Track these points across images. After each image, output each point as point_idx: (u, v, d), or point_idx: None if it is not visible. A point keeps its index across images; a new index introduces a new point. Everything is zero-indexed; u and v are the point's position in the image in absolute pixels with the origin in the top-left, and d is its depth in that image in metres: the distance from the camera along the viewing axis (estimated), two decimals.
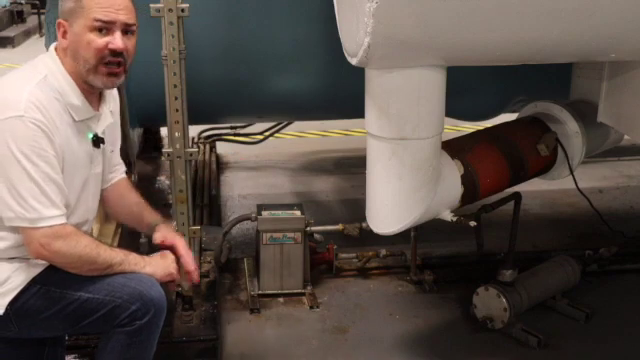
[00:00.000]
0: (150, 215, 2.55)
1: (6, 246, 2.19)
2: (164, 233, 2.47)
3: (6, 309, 2.19)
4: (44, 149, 2.08)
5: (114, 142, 2.50)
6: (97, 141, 2.31)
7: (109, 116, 2.37)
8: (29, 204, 2.08)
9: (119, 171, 2.61)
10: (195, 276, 2.44)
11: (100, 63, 2.16)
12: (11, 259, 2.21)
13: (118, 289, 2.21)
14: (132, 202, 2.59)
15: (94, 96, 2.29)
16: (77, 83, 2.21)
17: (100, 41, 2.14)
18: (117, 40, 2.15)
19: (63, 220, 2.16)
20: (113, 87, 2.30)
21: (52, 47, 2.25)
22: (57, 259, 2.18)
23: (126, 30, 2.19)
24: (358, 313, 3.59)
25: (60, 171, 2.15)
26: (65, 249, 2.15)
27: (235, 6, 3.54)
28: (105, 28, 2.14)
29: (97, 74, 2.18)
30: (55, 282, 2.22)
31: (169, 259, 2.39)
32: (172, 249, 2.43)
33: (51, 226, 2.12)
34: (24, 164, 2.06)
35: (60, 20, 2.19)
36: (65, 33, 2.18)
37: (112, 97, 2.44)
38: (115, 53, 2.15)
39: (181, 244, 2.46)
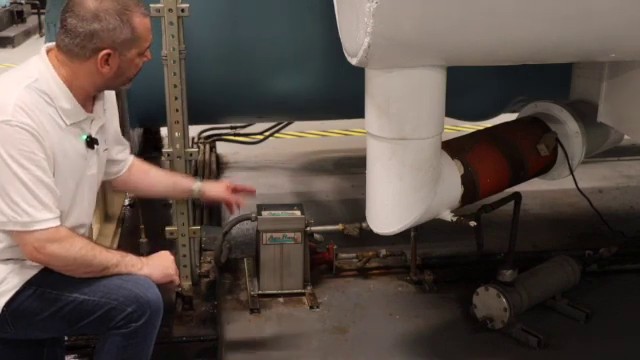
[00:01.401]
0: (184, 179, 2.76)
1: (1, 248, 2.19)
2: (216, 188, 2.79)
3: (2, 310, 2.18)
4: (33, 152, 2.07)
5: (106, 127, 2.45)
6: (91, 142, 2.30)
7: (102, 116, 2.37)
8: (21, 208, 2.08)
9: (127, 152, 2.63)
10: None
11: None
12: (6, 260, 2.20)
13: (114, 291, 2.21)
14: (160, 174, 2.75)
15: (89, 99, 2.29)
16: (73, 88, 2.19)
17: (142, 60, 2.29)
18: (149, 55, 2.31)
19: (57, 223, 2.14)
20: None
21: (43, 49, 2.22)
22: (52, 262, 2.17)
23: None
24: (358, 313, 3.59)
25: (51, 174, 2.14)
26: (60, 252, 2.14)
27: (235, 6, 3.54)
28: None
29: (128, 82, 2.33)
30: (51, 284, 2.21)
31: (168, 260, 2.39)
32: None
33: (44, 229, 2.11)
34: (14, 168, 2.05)
35: (109, 50, 2.15)
36: (107, 60, 2.17)
37: (104, 94, 2.43)
38: None
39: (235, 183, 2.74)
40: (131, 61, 2.23)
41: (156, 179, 2.72)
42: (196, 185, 2.78)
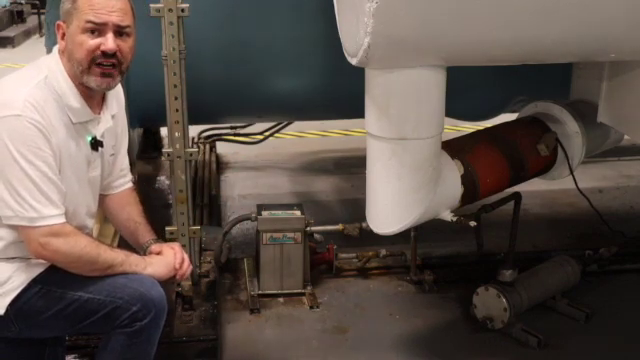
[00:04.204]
0: (144, 236, 2.52)
1: (5, 245, 2.19)
2: (156, 248, 2.46)
3: (7, 309, 2.19)
4: (41, 148, 2.09)
5: (116, 146, 2.49)
6: (95, 144, 2.31)
7: (109, 120, 2.37)
8: (28, 203, 2.09)
9: (126, 178, 2.60)
10: (181, 274, 2.42)
11: (93, 64, 2.16)
12: (11, 259, 2.21)
13: (119, 290, 2.22)
14: (130, 217, 2.55)
15: (95, 99, 2.29)
16: (76, 85, 2.21)
17: (92, 42, 2.15)
18: (109, 41, 2.16)
19: (62, 219, 2.16)
20: (108, 88, 2.27)
21: (56, 48, 2.25)
22: (57, 258, 2.18)
23: (120, 32, 2.18)
24: (358, 313, 3.59)
25: (58, 171, 2.15)
26: (65, 248, 2.15)
27: (235, 6, 3.54)
28: (97, 29, 2.15)
29: (90, 75, 2.18)
30: (56, 282, 2.22)
31: (170, 255, 2.40)
32: None
33: (50, 225, 2.12)
34: (22, 163, 2.07)
35: (59, 22, 2.20)
36: (64, 35, 2.20)
37: (116, 101, 2.44)
38: (107, 54, 2.16)
39: (176, 245, 2.48)
40: (73, 37, 2.15)
41: (123, 223, 2.57)
42: (146, 242, 2.51)
